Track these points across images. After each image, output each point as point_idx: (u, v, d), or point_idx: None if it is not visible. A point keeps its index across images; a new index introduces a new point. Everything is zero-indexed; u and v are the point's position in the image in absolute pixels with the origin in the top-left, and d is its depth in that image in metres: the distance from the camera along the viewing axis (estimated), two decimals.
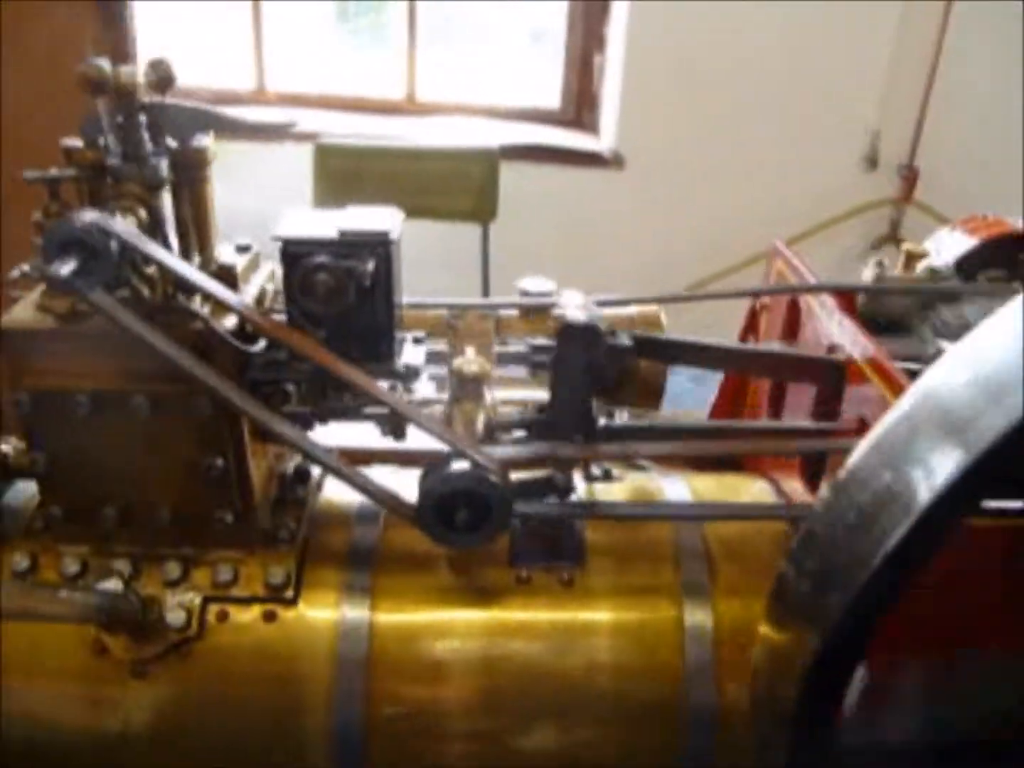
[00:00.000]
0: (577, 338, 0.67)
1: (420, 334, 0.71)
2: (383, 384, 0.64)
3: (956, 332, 0.83)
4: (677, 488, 0.81)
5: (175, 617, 0.69)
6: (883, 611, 0.44)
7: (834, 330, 0.73)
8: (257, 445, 0.70)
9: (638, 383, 0.74)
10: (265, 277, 0.72)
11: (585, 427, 0.69)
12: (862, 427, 0.67)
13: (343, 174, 2.83)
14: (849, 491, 0.44)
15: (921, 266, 0.89)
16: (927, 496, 0.39)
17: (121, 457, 0.67)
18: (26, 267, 0.68)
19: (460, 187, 2.78)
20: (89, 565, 0.71)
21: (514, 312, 0.77)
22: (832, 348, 0.73)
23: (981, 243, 0.94)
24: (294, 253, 0.62)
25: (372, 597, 0.72)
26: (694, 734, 0.70)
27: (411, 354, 0.68)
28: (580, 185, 2.97)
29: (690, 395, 1.70)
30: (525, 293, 0.78)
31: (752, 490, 0.82)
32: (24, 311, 0.66)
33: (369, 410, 0.68)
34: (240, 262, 0.70)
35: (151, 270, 0.62)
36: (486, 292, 2.90)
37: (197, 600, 0.70)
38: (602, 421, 0.70)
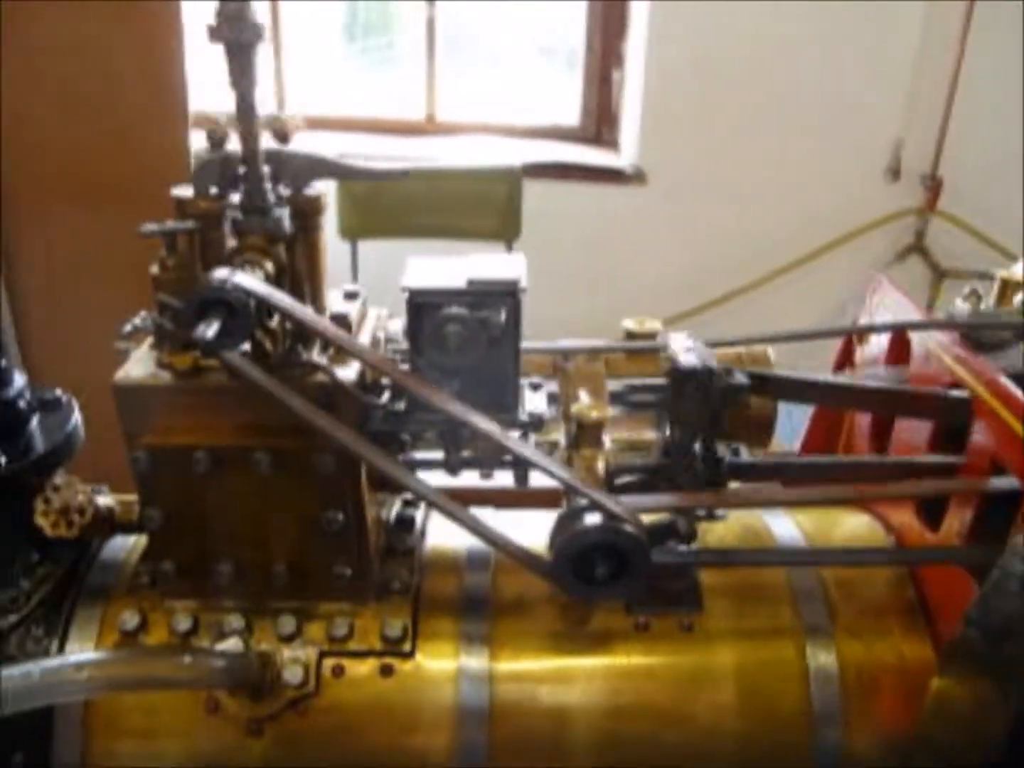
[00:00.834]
0: (693, 382, 0.66)
1: (536, 379, 0.70)
2: (513, 434, 0.63)
3: None
4: (785, 526, 0.79)
5: (293, 674, 0.67)
6: None
7: (953, 364, 0.72)
8: (370, 496, 0.69)
9: (751, 419, 0.73)
10: (375, 324, 0.71)
11: (709, 470, 0.67)
12: (993, 465, 0.66)
13: (367, 196, 2.83)
14: None
15: (1019, 298, 0.87)
16: None
17: (238, 513, 0.66)
18: (138, 321, 0.66)
19: (484, 206, 2.77)
20: (200, 621, 0.70)
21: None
22: (952, 383, 0.71)
23: None
24: (422, 303, 0.60)
25: (491, 645, 0.71)
26: None
27: (533, 401, 0.67)
28: (602, 202, 2.97)
29: (779, 428, 1.68)
30: (630, 333, 0.76)
31: (859, 526, 0.81)
32: (139, 366, 0.64)
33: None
34: (351, 310, 0.68)
35: (274, 323, 0.60)
36: None
37: (313, 655, 0.69)
38: (725, 454, 0.68)
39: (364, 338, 0.68)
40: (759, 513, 0.82)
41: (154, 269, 0.62)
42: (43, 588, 0.72)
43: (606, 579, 0.60)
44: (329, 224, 2.51)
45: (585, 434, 0.67)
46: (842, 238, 2.83)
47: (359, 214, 2.84)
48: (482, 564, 0.75)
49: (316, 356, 0.64)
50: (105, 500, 0.71)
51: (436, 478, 0.69)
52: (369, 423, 0.65)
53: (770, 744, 0.70)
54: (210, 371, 0.63)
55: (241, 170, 0.60)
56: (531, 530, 0.73)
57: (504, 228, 2.83)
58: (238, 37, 0.56)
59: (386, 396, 0.65)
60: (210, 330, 0.51)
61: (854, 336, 0.92)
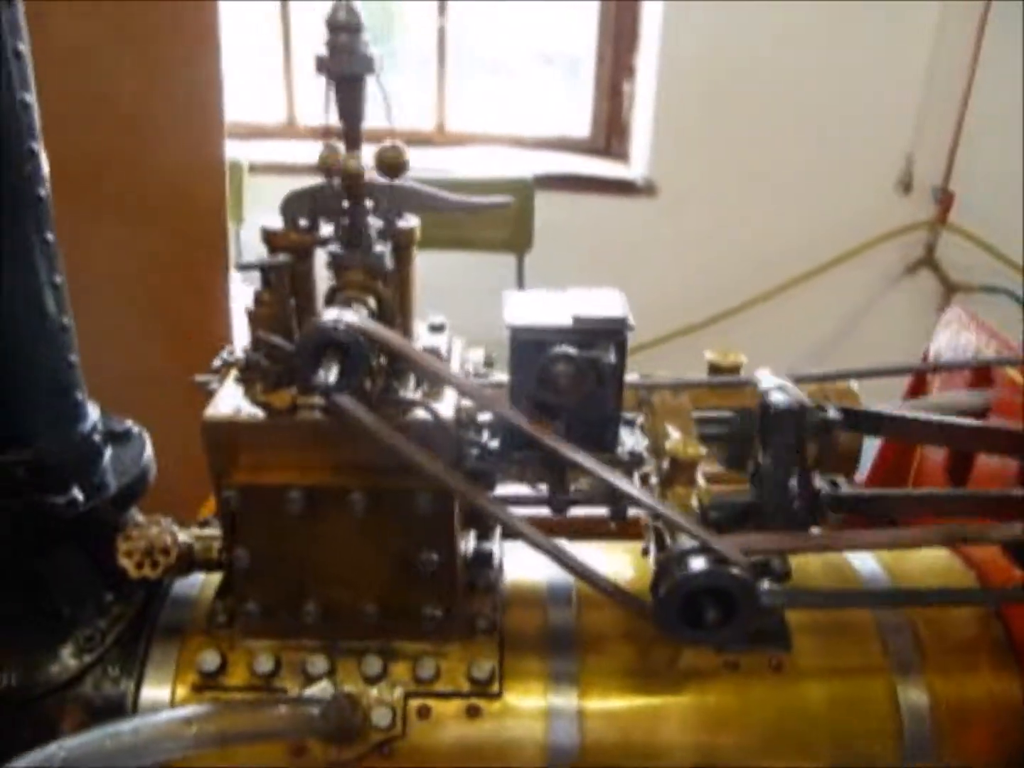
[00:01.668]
0: (787, 419, 0.65)
1: (628, 415, 0.68)
2: (615, 473, 0.61)
3: None
4: (864, 560, 0.78)
5: (381, 716, 0.66)
6: None
7: None
8: (460, 534, 0.67)
9: (838, 453, 0.72)
10: (461, 357, 0.69)
11: (806, 505, 0.66)
12: None
13: None
14: None
15: None
16: None
17: (330, 553, 0.64)
18: (226, 355, 0.65)
19: (495, 218, 2.76)
20: (282, 661, 0.68)
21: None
22: None
23: None
24: (526, 341, 0.59)
25: (579, 684, 0.69)
26: None
27: (630, 439, 0.65)
28: (613, 213, 2.97)
29: None
30: (714, 366, 0.75)
31: (938, 560, 0.80)
32: (228, 402, 0.63)
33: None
34: (440, 343, 0.67)
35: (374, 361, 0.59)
36: None
37: (400, 696, 0.67)
38: (823, 486, 0.67)
39: (455, 371, 0.67)
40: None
41: (249, 305, 0.61)
42: (117, 627, 0.71)
43: (714, 623, 0.59)
44: None
45: (679, 471, 0.66)
46: (853, 251, 2.84)
47: None
48: (564, 598, 0.74)
49: (412, 392, 0.62)
50: (184, 537, 0.69)
51: None
52: (465, 461, 0.63)
53: None
54: (304, 408, 0.61)
55: (344, 203, 0.58)
56: (603, 561, 0.73)
57: (516, 240, 2.82)
58: (348, 70, 0.54)
59: (480, 432, 0.64)
60: (331, 375, 0.50)
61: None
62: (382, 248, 0.59)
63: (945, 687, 0.71)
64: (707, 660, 0.71)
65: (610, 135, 3.08)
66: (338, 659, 0.68)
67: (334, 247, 0.60)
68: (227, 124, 1.50)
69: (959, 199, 2.79)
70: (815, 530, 0.66)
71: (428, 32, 3.20)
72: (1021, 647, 0.72)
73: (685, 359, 3.04)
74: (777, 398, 0.64)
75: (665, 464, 0.67)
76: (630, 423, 0.68)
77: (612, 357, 0.58)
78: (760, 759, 0.69)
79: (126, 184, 1.43)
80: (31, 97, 0.59)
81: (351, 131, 0.57)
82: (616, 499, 0.64)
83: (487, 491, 0.66)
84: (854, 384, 0.78)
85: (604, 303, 0.62)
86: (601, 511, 0.68)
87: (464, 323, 0.81)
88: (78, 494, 0.67)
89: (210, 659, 0.68)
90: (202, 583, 0.74)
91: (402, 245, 0.63)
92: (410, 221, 0.63)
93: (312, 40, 2.97)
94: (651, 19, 2.88)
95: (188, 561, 0.69)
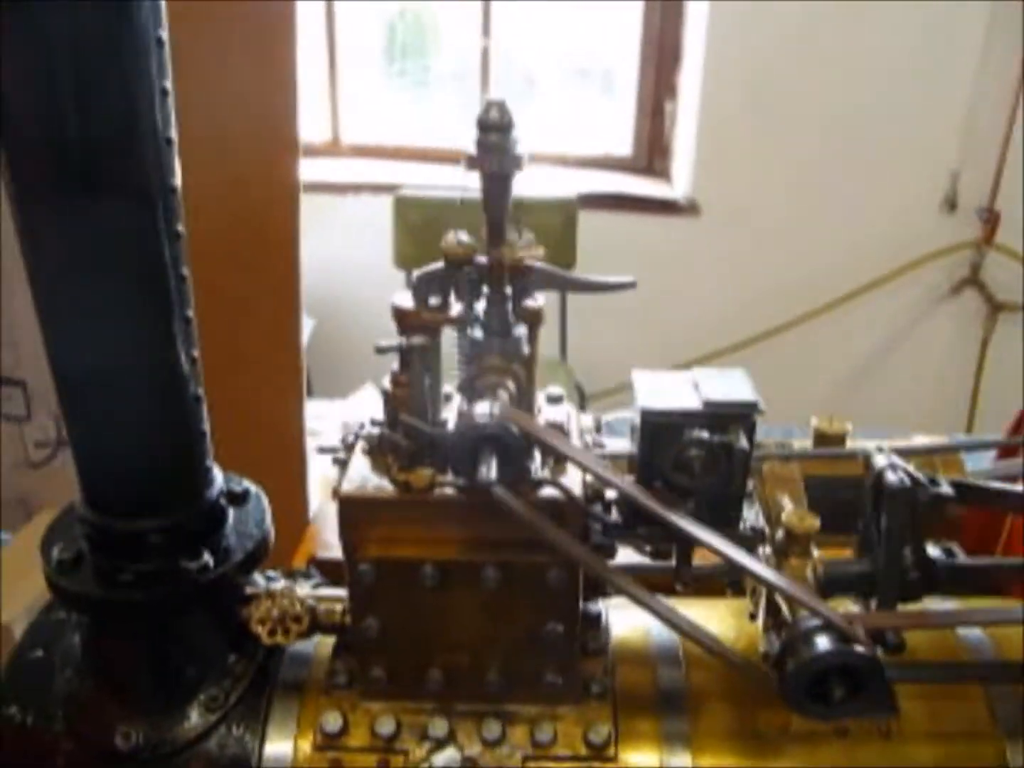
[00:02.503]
0: (901, 500, 0.66)
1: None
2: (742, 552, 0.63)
3: None
4: (971, 630, 0.79)
5: None
6: None
7: None
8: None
9: (947, 523, 0.73)
10: (579, 428, 0.71)
11: (922, 576, 0.67)
12: None
13: (423, 226, 2.85)
14: None
15: None
16: None
17: (459, 623, 0.66)
18: (360, 431, 0.67)
19: (539, 237, 2.78)
20: (402, 723, 0.70)
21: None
22: None
23: None
24: (659, 424, 0.61)
25: (692, 746, 0.71)
26: None
27: (750, 513, 0.67)
28: (656, 232, 2.98)
29: None
30: (820, 433, 0.77)
31: None
32: (362, 477, 0.65)
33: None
34: (560, 415, 0.69)
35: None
36: (564, 342, 2.91)
37: (518, 760, 0.69)
38: (937, 555, 0.68)
39: (576, 445, 0.68)
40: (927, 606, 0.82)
41: (385, 384, 0.63)
42: (240, 686, 0.73)
43: (843, 699, 0.60)
44: (385, 253, 2.54)
45: (794, 543, 0.67)
46: (897, 270, 2.84)
47: (415, 245, 2.86)
48: (672, 658, 0.75)
49: (540, 469, 0.64)
50: (307, 600, 0.71)
51: None
52: (590, 535, 0.65)
53: None
54: (439, 485, 0.63)
55: (484, 289, 0.60)
56: (713, 622, 0.74)
57: (559, 259, 2.82)
58: (498, 168, 0.56)
59: (605, 507, 0.65)
60: (492, 472, 0.52)
61: None
62: (519, 332, 0.61)
63: None
64: (819, 726, 0.72)
65: (652, 154, 3.09)
66: (457, 722, 0.70)
67: (472, 330, 0.62)
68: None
69: (1005, 218, 2.79)
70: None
71: (465, 48, 3.23)
72: None
73: None
74: (891, 478, 0.65)
75: (780, 534, 0.68)
76: (748, 495, 0.69)
77: (744, 442, 0.60)
78: None
79: (212, 219, 1.43)
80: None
81: (496, 224, 0.59)
82: (739, 574, 0.65)
83: (608, 561, 0.67)
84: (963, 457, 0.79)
85: (732, 385, 0.63)
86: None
87: None
88: (209, 559, 0.69)
89: (332, 720, 0.70)
90: (318, 639, 0.76)
91: (531, 324, 0.64)
92: (538, 300, 0.65)
93: (357, 59, 3.00)
94: (694, 38, 2.89)
95: (312, 625, 0.71)
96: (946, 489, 0.69)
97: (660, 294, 2.90)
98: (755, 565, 0.60)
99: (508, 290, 0.61)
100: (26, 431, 1.52)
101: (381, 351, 0.61)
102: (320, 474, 1.45)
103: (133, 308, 0.62)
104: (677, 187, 2.98)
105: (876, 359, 2.99)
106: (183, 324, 0.65)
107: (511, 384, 0.60)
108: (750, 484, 0.73)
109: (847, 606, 0.71)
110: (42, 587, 1.06)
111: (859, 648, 0.60)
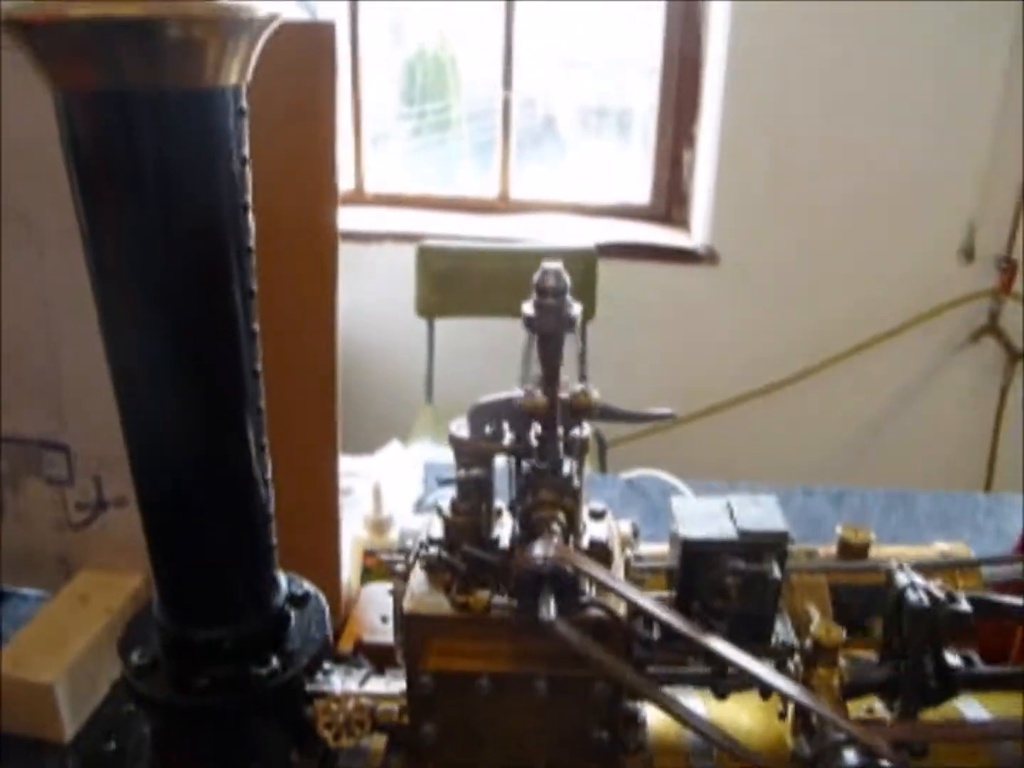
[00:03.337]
0: (922, 619, 0.70)
1: None
2: (769, 667, 0.68)
3: None
4: (975, 710, 0.84)
5: None
6: None
7: None
8: None
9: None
10: (619, 540, 0.76)
11: (942, 683, 0.72)
12: None
13: (446, 275, 2.91)
14: None
15: None
16: None
17: (510, 729, 0.71)
18: (421, 551, 0.72)
19: None
20: None
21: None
22: None
23: None
24: (696, 553, 0.66)
25: None
26: None
27: (781, 628, 0.72)
28: (674, 281, 3.04)
29: None
30: (845, 543, 0.81)
31: None
32: (423, 594, 0.70)
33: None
34: (602, 532, 0.74)
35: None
36: None
37: None
38: (957, 664, 0.73)
39: (618, 560, 0.73)
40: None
41: (446, 511, 0.68)
42: None
43: None
44: (407, 303, 2.60)
45: (821, 654, 0.72)
46: (916, 319, 2.88)
47: (437, 293, 2.92)
48: (706, 752, 0.80)
49: (587, 590, 0.69)
50: (365, 700, 0.76)
51: None
52: (632, 651, 0.70)
53: None
54: (495, 607, 0.68)
55: (537, 428, 0.66)
56: (744, 720, 0.79)
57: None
58: (553, 329, 0.62)
59: (646, 624, 0.70)
60: (551, 611, 0.57)
61: None
62: (571, 466, 0.66)
63: None
64: None
65: (671, 203, 3.15)
66: None
67: (527, 463, 0.67)
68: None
69: (1023, 267, 2.83)
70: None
71: (479, 88, 3.30)
72: None
73: (746, 427, 3.11)
74: (912, 598, 0.70)
75: (808, 644, 0.73)
76: (779, 610, 0.74)
77: (777, 572, 0.65)
78: None
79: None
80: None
81: (550, 376, 0.64)
82: (769, 689, 0.70)
83: (649, 674, 0.72)
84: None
85: (764, 513, 0.68)
86: None
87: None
88: (277, 664, 0.74)
89: None
90: (373, 736, 0.82)
91: (579, 454, 0.70)
92: (585, 430, 0.70)
93: (380, 109, 3.08)
94: (712, 89, 2.95)
95: (371, 724, 0.76)
96: (964, 606, 0.74)
97: (678, 343, 2.96)
98: (784, 684, 0.65)
99: (560, 430, 0.66)
100: (68, 494, 1.58)
101: (443, 484, 0.67)
102: (352, 536, 1.50)
103: (217, 428, 0.67)
104: (695, 236, 3.04)
105: (895, 409, 3.03)
106: (260, 450, 0.70)
107: (562, 516, 0.65)
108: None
109: (873, 703, 0.76)
110: (83, 646, 1.11)
111: (884, 762, 0.65)
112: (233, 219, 0.62)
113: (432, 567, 0.71)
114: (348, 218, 3.18)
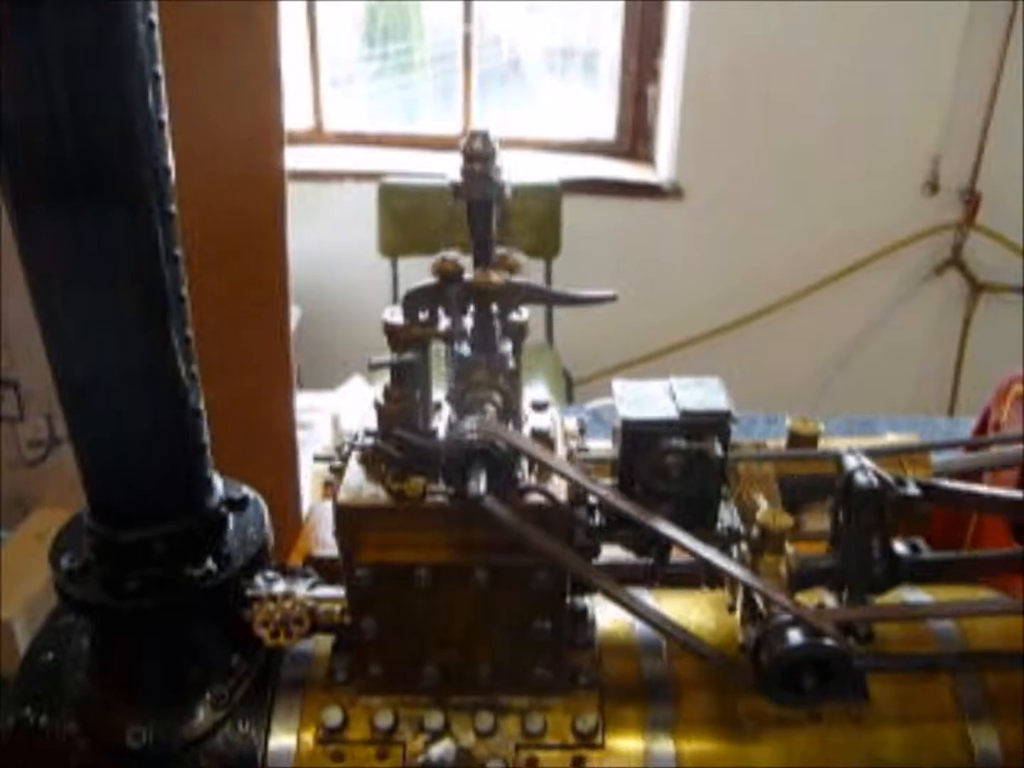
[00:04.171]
0: (870, 501, 0.69)
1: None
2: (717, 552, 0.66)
3: None
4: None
5: None
6: None
7: None
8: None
9: (912, 519, 0.77)
10: (563, 433, 0.74)
11: (887, 570, 0.71)
12: None
13: (407, 213, 2.87)
14: None
15: None
16: None
17: (452, 622, 0.70)
18: (354, 441, 0.70)
19: (523, 223, 2.81)
20: (400, 716, 0.73)
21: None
22: None
23: None
24: (638, 433, 0.64)
25: (675, 732, 0.75)
26: None
27: (726, 514, 0.70)
28: (639, 217, 3.01)
29: None
30: (794, 434, 0.80)
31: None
32: (357, 486, 0.68)
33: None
34: (545, 422, 0.72)
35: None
36: (550, 326, 2.94)
37: (511, 750, 0.73)
38: (904, 551, 0.72)
39: (561, 451, 0.72)
40: (899, 593, 0.86)
41: (379, 397, 0.66)
42: (244, 684, 0.76)
43: (814, 688, 0.64)
44: (369, 242, 2.57)
45: (768, 540, 0.71)
46: (880, 252, 2.87)
47: (399, 232, 2.88)
48: (655, 649, 0.79)
49: (527, 476, 0.67)
50: (307, 601, 0.74)
51: None
52: (575, 537, 0.68)
53: None
54: (431, 493, 0.66)
55: (468, 306, 0.63)
56: (693, 616, 0.78)
57: (544, 245, 2.86)
58: (481, 196, 0.59)
59: (588, 510, 0.69)
60: (481, 486, 0.55)
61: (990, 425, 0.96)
62: (505, 348, 0.64)
63: (1016, 735, 0.76)
64: (793, 711, 0.76)
65: (635, 138, 3.11)
66: (452, 715, 0.74)
67: (460, 345, 0.65)
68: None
69: (986, 200, 2.82)
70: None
71: (447, 29, 3.23)
72: None
73: (713, 361, 3.11)
74: (861, 480, 0.69)
75: (755, 532, 0.72)
76: (724, 497, 0.73)
77: (719, 450, 0.63)
78: None
79: (197, 214, 1.40)
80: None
81: (481, 249, 0.61)
82: (715, 572, 0.69)
83: (591, 561, 0.71)
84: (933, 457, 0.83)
85: (708, 394, 0.66)
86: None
87: None
88: (212, 565, 0.72)
89: (333, 715, 0.74)
90: (316, 640, 0.80)
91: (516, 338, 0.67)
92: (523, 315, 0.68)
93: (339, 47, 3.00)
94: (676, 23, 2.90)
95: (312, 626, 0.74)
96: (913, 490, 0.73)
97: (644, 278, 2.93)
98: (726, 563, 0.64)
99: (494, 308, 0.64)
100: (20, 431, 1.54)
101: (374, 367, 0.64)
102: (311, 468, 1.48)
103: (133, 321, 0.64)
104: (660, 171, 3.01)
105: (860, 340, 3.03)
106: (183, 342, 0.67)
107: (497, 398, 0.63)
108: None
109: (822, 596, 0.75)
110: (41, 584, 1.09)
111: (828, 641, 0.64)
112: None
113: (367, 459, 0.69)
114: (308, 157, 3.11)
